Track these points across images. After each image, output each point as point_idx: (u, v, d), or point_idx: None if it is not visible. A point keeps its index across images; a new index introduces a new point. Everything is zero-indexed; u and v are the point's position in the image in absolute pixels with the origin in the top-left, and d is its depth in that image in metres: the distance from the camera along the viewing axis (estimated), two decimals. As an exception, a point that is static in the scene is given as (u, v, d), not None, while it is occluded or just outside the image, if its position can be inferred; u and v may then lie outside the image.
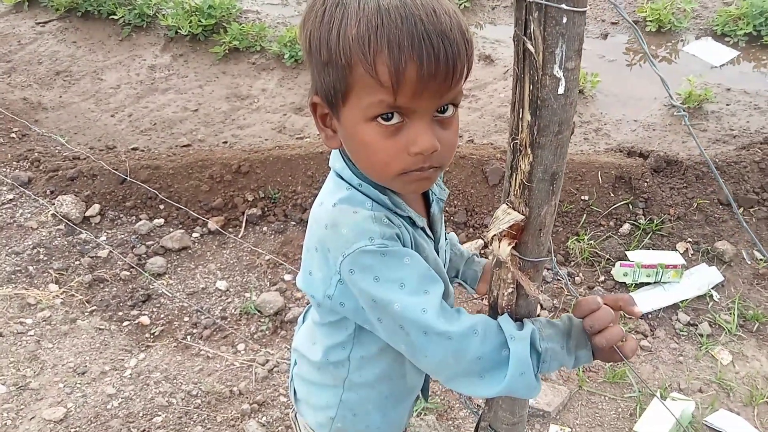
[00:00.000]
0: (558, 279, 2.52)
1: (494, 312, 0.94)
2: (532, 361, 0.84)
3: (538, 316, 0.96)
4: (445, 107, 0.80)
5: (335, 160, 0.92)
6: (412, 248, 0.89)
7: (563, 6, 0.63)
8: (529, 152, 0.74)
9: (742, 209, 2.70)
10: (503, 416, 1.07)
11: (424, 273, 0.85)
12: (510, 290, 0.88)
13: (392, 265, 0.82)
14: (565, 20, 0.63)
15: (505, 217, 0.81)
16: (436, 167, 0.83)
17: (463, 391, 0.92)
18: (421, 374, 1.14)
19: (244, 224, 2.76)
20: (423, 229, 0.94)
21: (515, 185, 0.79)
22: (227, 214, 2.79)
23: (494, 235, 0.82)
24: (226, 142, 3.31)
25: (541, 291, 0.91)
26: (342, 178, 0.90)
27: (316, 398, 1.12)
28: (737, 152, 2.97)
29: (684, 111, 0.71)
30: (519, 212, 0.80)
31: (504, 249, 0.82)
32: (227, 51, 4.06)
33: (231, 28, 4.09)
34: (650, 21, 4.29)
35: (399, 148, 0.80)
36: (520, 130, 0.73)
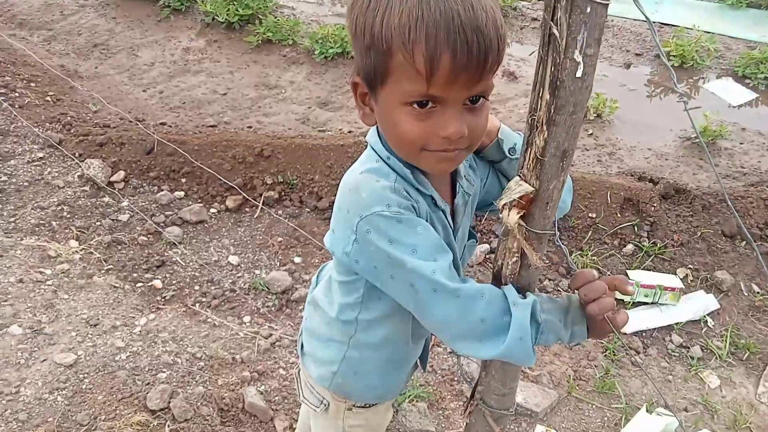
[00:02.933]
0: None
1: (497, 281, 1.01)
2: (531, 329, 0.90)
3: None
4: (476, 98, 0.88)
5: (371, 135, 1.00)
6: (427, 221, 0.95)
7: (589, -3, 0.72)
8: (545, 129, 0.82)
9: (744, 243, 2.77)
10: (495, 387, 1.15)
11: (435, 242, 0.92)
12: (515, 259, 0.96)
13: (406, 232, 0.89)
14: (588, 10, 0.72)
15: (517, 188, 0.89)
16: (462, 149, 0.91)
17: (463, 352, 0.98)
18: (419, 346, 1.22)
19: (260, 205, 2.85)
20: (444, 212, 1.01)
21: (529, 159, 0.87)
22: (245, 194, 2.89)
23: (505, 204, 0.90)
24: (250, 127, 3.42)
25: (544, 262, 0.99)
26: (374, 151, 0.98)
27: (322, 352, 1.19)
28: (745, 188, 3.04)
29: (686, 99, 0.80)
30: (530, 185, 0.88)
31: (512, 217, 0.90)
32: (260, 41, 4.18)
33: (266, 20, 4.22)
34: (674, 56, 4.38)
35: (429, 130, 0.87)
36: (538, 107, 0.82)
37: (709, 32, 4.65)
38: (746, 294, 2.62)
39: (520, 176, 0.90)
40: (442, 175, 1.02)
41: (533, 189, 0.88)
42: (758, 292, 2.62)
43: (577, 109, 0.80)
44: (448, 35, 0.79)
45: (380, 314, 1.07)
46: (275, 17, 4.29)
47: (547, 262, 2.72)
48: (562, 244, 0.98)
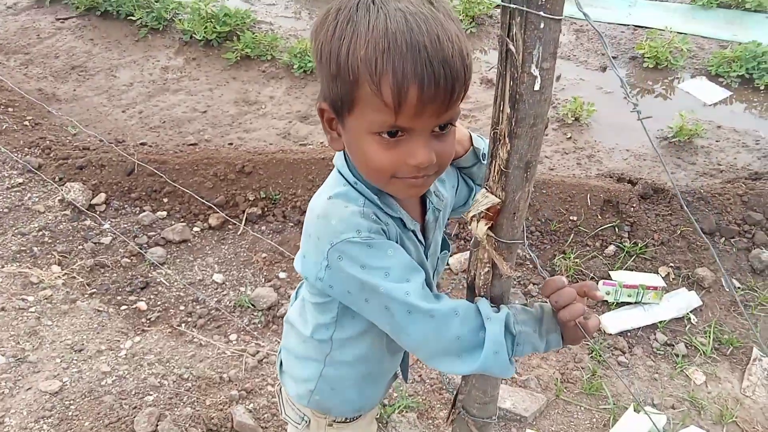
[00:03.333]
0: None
1: (471, 292, 1.03)
2: (506, 342, 0.91)
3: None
4: (444, 125, 0.88)
5: (338, 158, 1.00)
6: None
7: (541, 13, 0.74)
8: (507, 142, 0.84)
9: (723, 239, 2.81)
10: (476, 395, 1.16)
11: (406, 263, 0.92)
12: (486, 270, 0.97)
13: (377, 256, 0.90)
14: (542, 25, 0.74)
15: (484, 200, 0.90)
16: (431, 174, 0.92)
17: (441, 369, 0.99)
18: (396, 359, 1.22)
19: (243, 222, 2.85)
20: (414, 232, 1.01)
21: (494, 171, 0.89)
22: (228, 212, 2.89)
23: (473, 216, 0.92)
24: (231, 144, 3.42)
25: (515, 271, 1.00)
26: (341, 175, 0.98)
27: (299, 371, 1.19)
28: (722, 185, 3.09)
29: (639, 110, 0.82)
30: (496, 196, 0.90)
31: (481, 228, 0.92)
32: (239, 58, 4.20)
33: (244, 36, 4.24)
34: (648, 57, 4.46)
35: (398, 159, 0.87)
36: (500, 121, 0.84)
37: (681, 33, 4.74)
38: (727, 290, 2.66)
39: (486, 188, 0.92)
40: (412, 198, 1.03)
41: (500, 200, 0.89)
42: (739, 287, 2.66)
43: (538, 121, 0.82)
44: (415, 68, 0.79)
45: (355, 332, 1.07)
46: (253, 33, 4.31)
47: (530, 266, 2.75)
48: (532, 252, 1.00)
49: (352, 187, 0.96)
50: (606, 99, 4.13)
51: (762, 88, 4.22)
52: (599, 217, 2.88)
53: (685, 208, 1.02)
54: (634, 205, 2.90)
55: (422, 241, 1.05)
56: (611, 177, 3.19)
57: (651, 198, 2.96)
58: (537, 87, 0.78)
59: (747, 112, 4.10)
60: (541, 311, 0.99)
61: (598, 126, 3.82)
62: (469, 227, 0.94)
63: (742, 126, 3.86)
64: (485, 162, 1.10)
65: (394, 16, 0.80)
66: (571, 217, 2.87)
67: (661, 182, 3.06)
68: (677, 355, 2.39)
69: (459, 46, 0.82)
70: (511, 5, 0.75)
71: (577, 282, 0.98)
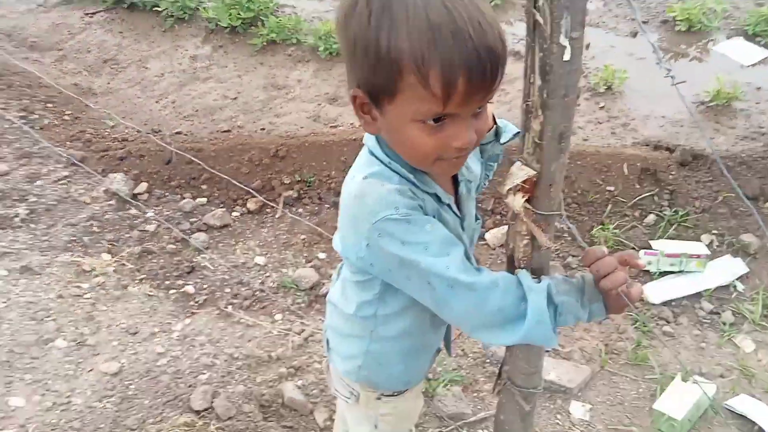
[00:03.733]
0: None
1: (511, 265, 1.03)
2: (549, 312, 0.92)
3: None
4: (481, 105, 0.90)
5: (368, 138, 1.01)
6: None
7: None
8: (540, 113, 0.84)
9: None
10: (521, 366, 1.16)
11: (445, 237, 0.93)
12: (525, 242, 0.98)
13: (416, 231, 0.91)
14: (569, -6, 0.74)
15: (519, 172, 0.91)
16: (469, 151, 0.94)
17: (485, 340, 1.02)
18: (440, 332, 1.25)
19: (281, 205, 2.90)
20: (449, 206, 1.03)
21: (528, 144, 0.89)
22: (265, 195, 2.93)
23: (509, 189, 0.92)
24: (263, 129, 3.46)
25: (553, 243, 1.01)
26: (374, 155, 0.99)
27: (346, 348, 1.23)
28: (765, 148, 3.01)
29: (673, 75, 0.81)
30: (531, 168, 0.90)
31: (518, 201, 0.92)
32: (265, 43, 4.21)
33: (268, 21, 4.24)
34: (680, 20, 4.32)
35: (441, 142, 0.88)
36: (531, 93, 0.84)
37: (715, -8, 4.58)
38: (770, 249, 2.61)
39: (521, 161, 0.92)
40: (448, 175, 1.05)
41: (535, 172, 0.90)
42: (786, 252, 2.61)
43: (569, 91, 0.82)
44: (463, 58, 0.79)
45: (399, 307, 1.09)
46: (277, 17, 4.31)
47: (568, 238, 2.74)
48: (570, 223, 1.00)
49: (387, 167, 0.96)
50: (638, 65, 4.02)
51: (803, 45, 4.06)
52: (637, 186, 2.84)
53: (726, 173, 1.01)
54: (673, 173, 2.85)
55: (458, 213, 1.06)
56: (647, 145, 3.13)
57: (690, 165, 2.91)
58: (567, 57, 0.78)
59: (788, 71, 3.95)
60: (583, 281, 0.98)
61: (632, 93, 3.74)
62: (506, 200, 0.94)
63: (783, 86, 3.73)
64: (504, 141, 1.14)
65: (433, 4, 0.79)
66: (608, 188, 2.84)
67: (700, 148, 3.00)
68: (724, 324, 2.36)
69: (498, 29, 0.82)
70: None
71: (617, 252, 0.98)
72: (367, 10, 0.82)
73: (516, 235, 0.99)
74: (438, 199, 1.00)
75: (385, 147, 0.97)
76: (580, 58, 0.80)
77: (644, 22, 4.54)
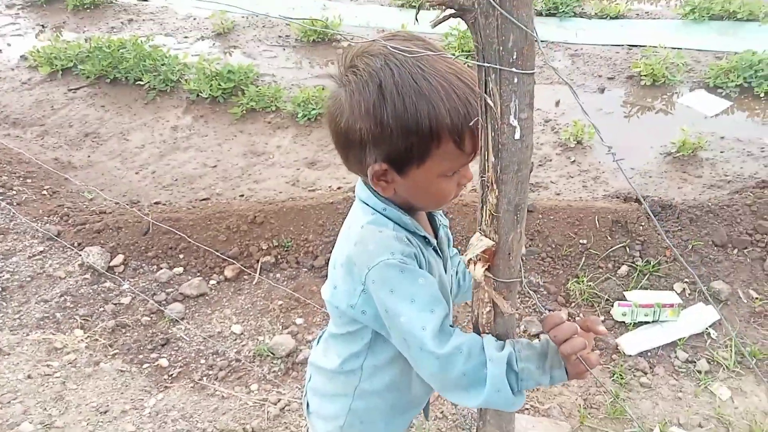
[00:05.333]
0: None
1: (476, 331, 1.06)
2: (509, 380, 0.96)
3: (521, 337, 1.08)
4: None
5: (361, 191, 1.09)
6: (425, 268, 1.04)
7: (513, 69, 0.79)
8: (495, 188, 0.89)
9: (736, 250, 2.80)
10: (491, 431, 1.18)
11: (434, 294, 1.00)
12: (488, 309, 1.01)
13: (407, 281, 0.97)
14: (516, 80, 0.79)
15: (479, 243, 0.95)
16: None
17: (452, 400, 1.05)
18: (425, 386, 1.25)
19: (258, 271, 2.90)
20: (434, 249, 1.11)
21: (485, 216, 0.93)
22: (243, 262, 2.94)
23: (470, 259, 0.96)
24: (242, 195, 3.51)
25: (516, 309, 1.04)
26: (367, 205, 1.07)
27: (327, 409, 1.24)
28: (730, 196, 3.09)
29: (614, 152, 0.87)
30: (490, 239, 0.94)
31: (479, 271, 0.95)
32: (245, 111, 4.33)
33: (248, 90, 4.39)
34: (645, 75, 4.51)
35: (456, 185, 1.03)
36: (486, 169, 0.89)
37: (676, 48, 4.81)
38: (745, 301, 2.64)
39: (480, 232, 0.96)
40: (424, 217, 1.15)
41: (493, 243, 0.94)
42: (757, 298, 2.64)
43: (522, 167, 0.87)
44: (472, 117, 0.93)
45: (387, 357, 1.13)
46: (257, 86, 4.46)
47: (544, 292, 2.75)
48: (544, 278, 1.03)
49: (381, 214, 1.05)
50: (606, 120, 4.17)
51: (762, 95, 4.24)
52: (609, 239, 2.89)
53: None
54: (643, 224, 2.91)
55: (440, 255, 1.13)
56: (618, 197, 3.21)
57: (659, 215, 2.97)
58: (517, 136, 0.83)
59: (749, 120, 4.11)
60: (547, 345, 1.02)
61: (601, 147, 3.85)
62: (467, 270, 0.98)
63: (745, 135, 3.87)
64: None
65: (454, 82, 0.93)
66: (581, 241, 2.89)
67: (668, 198, 3.07)
68: (700, 372, 2.36)
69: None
70: (486, 64, 0.80)
71: (592, 305, 1.03)
72: (400, 98, 0.92)
73: (479, 303, 1.02)
74: (426, 242, 1.08)
75: (377, 196, 1.05)
76: (530, 136, 0.85)
77: (610, 78, 4.74)
